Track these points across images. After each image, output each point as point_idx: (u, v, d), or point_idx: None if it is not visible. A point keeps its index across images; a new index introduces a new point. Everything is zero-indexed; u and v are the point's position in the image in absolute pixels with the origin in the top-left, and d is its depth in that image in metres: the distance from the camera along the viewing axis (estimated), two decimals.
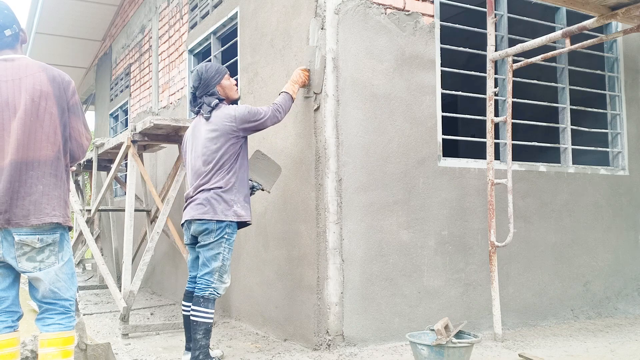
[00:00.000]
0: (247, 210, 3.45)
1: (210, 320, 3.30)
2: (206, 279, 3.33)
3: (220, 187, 3.36)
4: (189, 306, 3.47)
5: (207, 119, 3.48)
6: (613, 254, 4.95)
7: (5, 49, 2.57)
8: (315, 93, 3.81)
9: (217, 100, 3.49)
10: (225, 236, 3.35)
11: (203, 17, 5.79)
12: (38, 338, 2.56)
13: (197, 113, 3.58)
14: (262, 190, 3.79)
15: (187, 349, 3.52)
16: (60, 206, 2.49)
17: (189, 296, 3.53)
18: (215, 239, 3.33)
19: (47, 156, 2.47)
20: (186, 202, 3.50)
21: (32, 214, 2.41)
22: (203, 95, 3.50)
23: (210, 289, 3.31)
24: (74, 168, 2.76)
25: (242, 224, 3.49)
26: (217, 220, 3.32)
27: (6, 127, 2.44)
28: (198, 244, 3.41)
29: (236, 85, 3.67)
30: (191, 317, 3.31)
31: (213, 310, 3.32)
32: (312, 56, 3.83)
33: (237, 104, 3.66)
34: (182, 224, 3.51)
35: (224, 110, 3.46)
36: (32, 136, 2.45)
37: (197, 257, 3.51)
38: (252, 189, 3.71)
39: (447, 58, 4.49)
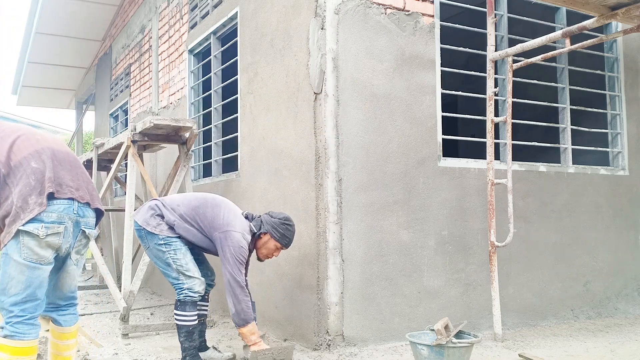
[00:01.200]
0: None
1: (191, 323, 3.31)
2: (176, 283, 3.36)
3: (166, 214, 3.43)
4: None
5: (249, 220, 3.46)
6: (613, 254, 4.94)
7: None
8: (315, 92, 3.80)
9: (256, 230, 3.38)
10: (161, 241, 3.37)
11: (203, 17, 5.79)
12: (54, 332, 2.68)
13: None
14: None
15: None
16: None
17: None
18: (155, 245, 3.40)
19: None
20: None
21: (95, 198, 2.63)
22: (262, 221, 3.41)
23: (184, 291, 3.32)
24: None
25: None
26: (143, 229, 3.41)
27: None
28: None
29: (270, 257, 3.50)
30: (175, 321, 3.36)
31: (192, 313, 3.32)
32: (313, 52, 3.82)
33: (258, 259, 3.54)
34: None
35: (238, 237, 3.29)
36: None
37: (197, 257, 3.52)
38: None
39: (447, 58, 4.49)
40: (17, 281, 2.36)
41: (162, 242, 3.34)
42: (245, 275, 3.40)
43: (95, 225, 2.68)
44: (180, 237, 3.38)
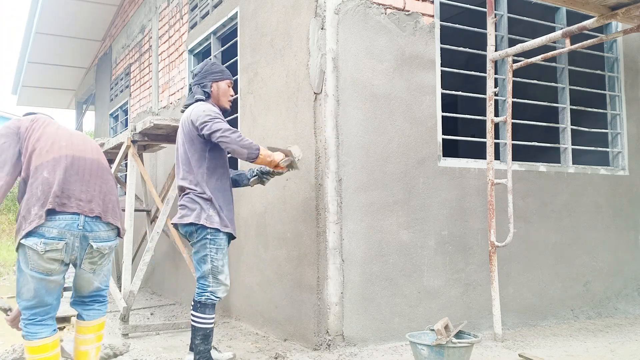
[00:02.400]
0: (224, 220, 3.23)
1: (209, 326, 3.22)
2: (201, 283, 3.24)
3: (194, 190, 3.24)
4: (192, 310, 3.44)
5: (182, 112, 3.40)
6: (613, 254, 4.94)
7: None
8: (315, 92, 3.78)
9: (203, 96, 3.34)
10: (208, 237, 3.20)
11: (203, 17, 5.79)
12: (76, 325, 2.75)
13: (186, 106, 3.43)
14: (276, 173, 3.47)
15: (192, 349, 3.51)
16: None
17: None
18: (198, 239, 3.21)
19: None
20: None
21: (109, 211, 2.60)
22: (196, 85, 3.38)
23: (206, 294, 3.22)
24: None
25: (229, 235, 3.31)
26: (192, 224, 3.21)
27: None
28: None
29: (232, 97, 3.46)
30: (191, 322, 3.27)
31: (211, 315, 3.23)
32: (313, 52, 3.82)
33: (227, 111, 3.47)
34: None
35: (201, 105, 3.24)
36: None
37: None
38: (263, 172, 3.51)
39: (447, 58, 4.49)
40: (27, 289, 2.46)
41: (210, 237, 3.20)
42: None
43: (117, 236, 2.68)
44: (221, 230, 3.21)
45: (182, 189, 3.33)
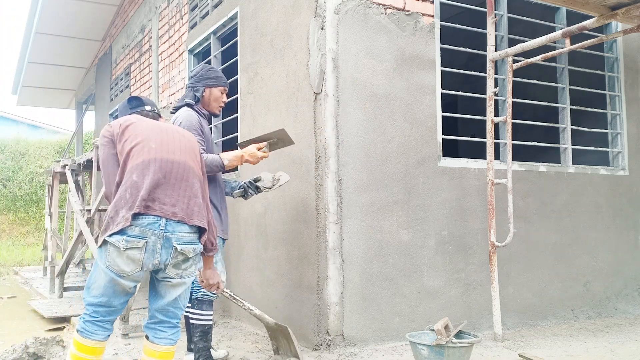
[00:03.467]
0: (221, 224, 3.32)
1: (207, 322, 3.25)
2: (197, 280, 3.26)
3: None
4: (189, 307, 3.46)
5: (172, 113, 3.41)
6: (613, 254, 4.94)
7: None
8: (315, 93, 3.78)
9: (193, 100, 3.36)
10: None
11: (203, 17, 5.79)
12: (146, 346, 2.60)
13: (175, 108, 3.44)
14: (260, 190, 3.57)
15: (189, 349, 3.51)
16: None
17: (190, 299, 3.51)
18: None
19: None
20: None
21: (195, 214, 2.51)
22: (189, 88, 3.41)
23: (202, 290, 3.25)
24: None
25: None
26: None
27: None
28: None
29: (223, 105, 3.50)
30: (190, 320, 3.29)
31: (209, 312, 3.26)
32: (313, 53, 3.81)
33: (215, 117, 3.54)
34: None
35: (183, 113, 3.28)
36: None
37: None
38: (249, 186, 3.56)
39: (447, 58, 4.49)
40: (97, 285, 2.45)
41: None
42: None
43: (199, 239, 2.56)
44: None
45: None
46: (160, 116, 2.87)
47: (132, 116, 2.71)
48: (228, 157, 3.27)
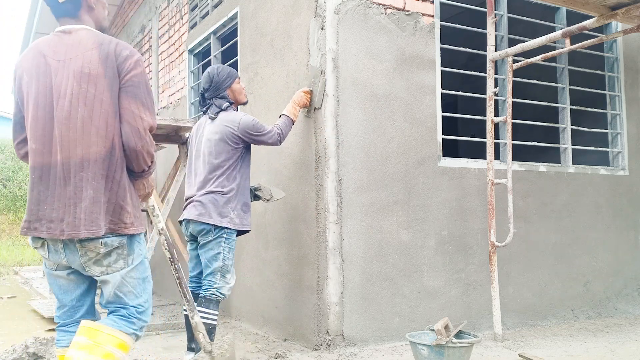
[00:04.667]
0: (245, 219, 3.42)
1: (212, 322, 3.26)
2: (209, 279, 3.32)
3: (220, 192, 3.35)
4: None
5: (213, 119, 3.49)
6: (613, 254, 4.94)
7: (64, 17, 2.20)
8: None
9: (228, 103, 3.50)
10: (224, 235, 3.32)
11: (203, 17, 5.79)
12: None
13: (205, 113, 3.57)
14: (258, 198, 3.70)
15: (189, 349, 3.52)
16: (109, 212, 2.12)
17: None
18: (214, 238, 3.31)
19: (97, 153, 2.10)
20: (186, 201, 3.50)
21: (83, 224, 2.07)
22: (213, 97, 3.51)
23: (212, 289, 3.29)
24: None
25: (240, 232, 3.46)
26: (212, 224, 3.31)
27: (51, 121, 2.11)
28: (199, 244, 3.40)
29: (244, 89, 3.67)
30: (188, 319, 3.29)
31: (215, 312, 3.28)
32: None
33: (244, 105, 3.77)
34: (180, 222, 3.50)
35: (231, 114, 3.47)
36: (79, 131, 2.08)
37: (197, 256, 3.51)
38: (255, 195, 3.68)
39: (447, 58, 4.49)
40: (50, 286, 2.40)
41: (226, 236, 3.33)
42: None
43: (116, 228, 2.15)
44: (237, 231, 3.40)
45: (205, 190, 3.39)
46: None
47: (31, 50, 2.20)
48: (290, 112, 3.67)
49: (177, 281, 2.86)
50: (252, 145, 3.55)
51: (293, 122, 3.67)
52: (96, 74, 2.09)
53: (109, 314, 2.25)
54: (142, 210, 6.03)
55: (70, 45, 2.13)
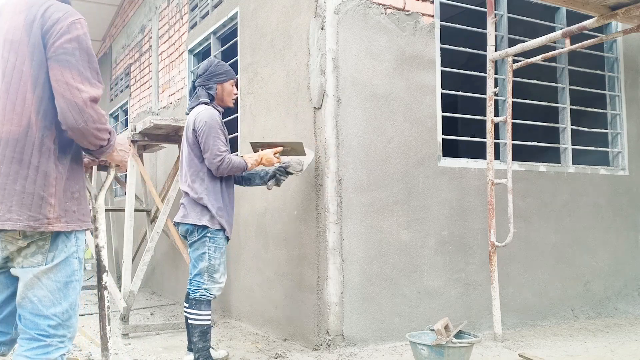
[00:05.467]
0: (223, 221, 3.29)
1: (205, 322, 3.24)
2: (197, 280, 3.28)
3: (190, 194, 3.29)
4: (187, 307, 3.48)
5: (187, 114, 3.44)
6: (613, 254, 4.94)
7: None
8: (314, 107, 3.80)
9: (208, 98, 3.39)
10: (208, 235, 3.26)
11: (203, 17, 5.79)
12: None
13: (191, 108, 3.48)
14: (291, 173, 3.56)
15: (189, 349, 3.52)
16: (26, 205, 1.78)
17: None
18: (198, 237, 3.27)
19: (9, 132, 1.80)
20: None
21: None
22: (201, 86, 3.42)
23: (201, 290, 3.25)
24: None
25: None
26: (192, 224, 3.27)
27: None
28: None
29: (235, 95, 3.56)
30: (188, 320, 3.28)
31: (208, 312, 3.25)
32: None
33: (231, 108, 3.63)
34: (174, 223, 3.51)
35: (201, 109, 3.32)
36: None
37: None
38: (279, 173, 3.53)
39: (447, 58, 4.49)
40: None
41: (210, 235, 3.26)
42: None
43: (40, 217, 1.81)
44: (222, 229, 3.30)
45: (186, 190, 3.36)
46: None
47: None
48: (250, 160, 3.37)
49: (101, 311, 2.53)
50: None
51: (244, 170, 3.35)
52: (18, 41, 1.80)
53: (19, 339, 1.86)
54: (142, 210, 6.03)
55: (0, 9, 1.88)
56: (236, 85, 3.60)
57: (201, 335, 3.23)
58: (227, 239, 3.38)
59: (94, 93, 1.81)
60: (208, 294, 3.26)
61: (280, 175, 3.55)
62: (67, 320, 1.88)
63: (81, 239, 1.93)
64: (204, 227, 3.25)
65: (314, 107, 3.82)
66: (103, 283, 2.45)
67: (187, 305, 3.36)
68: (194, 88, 3.49)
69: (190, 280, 3.43)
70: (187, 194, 3.34)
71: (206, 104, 3.39)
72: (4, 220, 1.76)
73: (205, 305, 3.25)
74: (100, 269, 2.34)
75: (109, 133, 1.88)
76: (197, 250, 3.28)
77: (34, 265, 1.81)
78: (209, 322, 3.28)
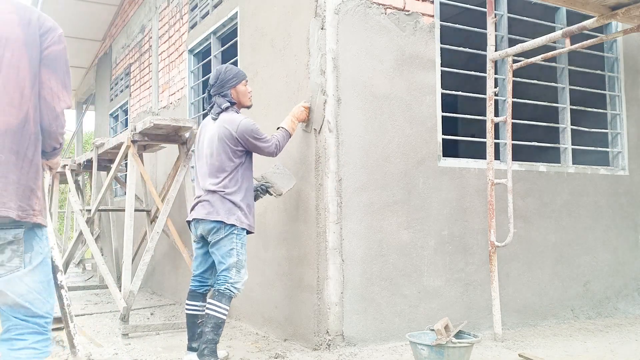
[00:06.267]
0: (250, 220, 3.46)
1: (222, 316, 3.28)
2: (224, 274, 3.34)
3: (223, 192, 3.38)
4: (193, 305, 3.49)
5: (215, 120, 3.51)
6: (613, 254, 4.94)
7: None
8: (314, 129, 3.81)
9: (228, 103, 3.50)
10: (235, 232, 3.36)
11: (203, 17, 5.79)
12: None
13: (209, 112, 3.60)
14: (271, 194, 3.76)
15: (189, 349, 3.52)
16: (18, 195, 1.84)
17: (193, 295, 3.53)
18: (225, 235, 3.34)
19: (7, 124, 1.85)
20: (195, 200, 3.51)
21: None
22: (217, 95, 3.53)
23: (226, 284, 3.31)
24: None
25: (248, 232, 3.50)
26: (220, 221, 3.34)
27: None
28: (209, 244, 3.42)
29: (250, 92, 3.68)
30: (206, 310, 3.32)
31: (227, 307, 3.30)
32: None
33: (248, 109, 3.77)
34: (189, 222, 3.53)
35: (232, 115, 3.48)
36: None
37: (204, 256, 3.52)
38: (260, 191, 3.71)
39: (447, 58, 4.49)
40: None
41: (236, 232, 3.36)
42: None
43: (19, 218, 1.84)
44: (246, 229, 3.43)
45: (211, 190, 3.42)
46: None
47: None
48: (288, 127, 3.67)
49: (62, 310, 2.54)
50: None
51: (290, 136, 3.67)
52: (15, 39, 1.87)
53: (12, 327, 1.88)
54: (142, 210, 6.02)
55: None
56: (247, 83, 3.68)
57: (214, 327, 3.26)
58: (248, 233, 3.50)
59: (69, 103, 2.02)
60: (232, 288, 3.33)
61: (260, 193, 3.72)
62: (52, 315, 1.98)
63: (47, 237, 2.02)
64: (232, 225, 3.34)
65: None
66: (59, 283, 2.49)
67: (192, 302, 3.49)
68: (209, 96, 3.59)
69: (196, 276, 3.54)
70: (213, 191, 3.40)
71: (229, 109, 3.52)
72: (7, 207, 1.82)
73: (227, 300, 3.31)
74: (53, 269, 2.29)
75: (62, 140, 2.10)
76: (225, 247, 3.35)
77: (13, 270, 1.85)
78: (225, 318, 3.31)
